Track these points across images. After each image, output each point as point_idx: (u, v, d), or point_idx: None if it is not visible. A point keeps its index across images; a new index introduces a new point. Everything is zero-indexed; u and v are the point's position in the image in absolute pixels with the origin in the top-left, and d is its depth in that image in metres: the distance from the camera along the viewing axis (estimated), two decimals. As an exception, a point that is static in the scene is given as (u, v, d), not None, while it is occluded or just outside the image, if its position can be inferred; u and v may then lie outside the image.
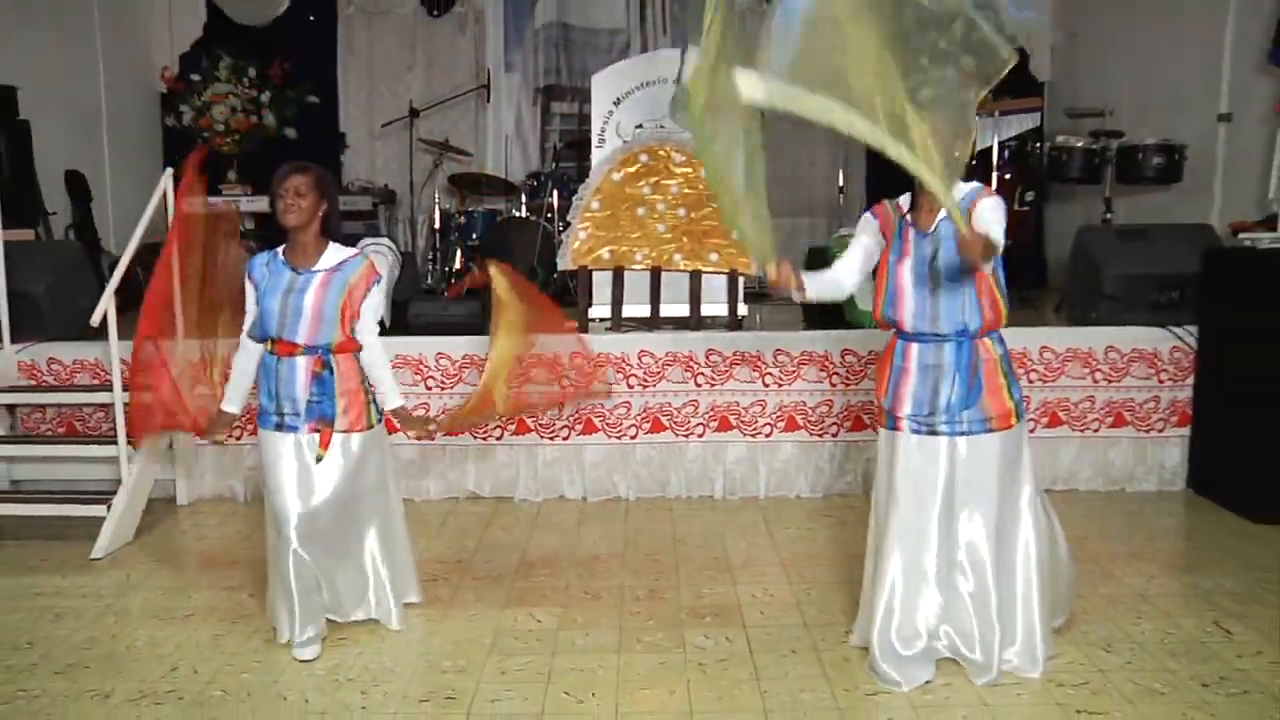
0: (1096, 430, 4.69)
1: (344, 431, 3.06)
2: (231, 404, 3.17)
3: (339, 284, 3.01)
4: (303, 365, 3.00)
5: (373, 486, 3.20)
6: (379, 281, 3.09)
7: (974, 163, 6.08)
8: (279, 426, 3.03)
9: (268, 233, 3.32)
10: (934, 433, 2.80)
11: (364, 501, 3.18)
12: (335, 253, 3.06)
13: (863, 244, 2.91)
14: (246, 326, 3.10)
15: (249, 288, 3.07)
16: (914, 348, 2.82)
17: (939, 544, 2.81)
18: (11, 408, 4.82)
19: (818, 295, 2.88)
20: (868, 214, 2.95)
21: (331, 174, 3.16)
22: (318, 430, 3.03)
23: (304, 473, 3.02)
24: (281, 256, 3.05)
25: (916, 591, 2.83)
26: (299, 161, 3.03)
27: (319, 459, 3.02)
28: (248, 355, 3.10)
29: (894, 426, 2.85)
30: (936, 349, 2.79)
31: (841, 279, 2.92)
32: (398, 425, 3.22)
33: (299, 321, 2.97)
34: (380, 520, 3.25)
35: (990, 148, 5.24)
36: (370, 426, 3.13)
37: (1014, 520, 2.85)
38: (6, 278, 4.58)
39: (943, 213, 2.72)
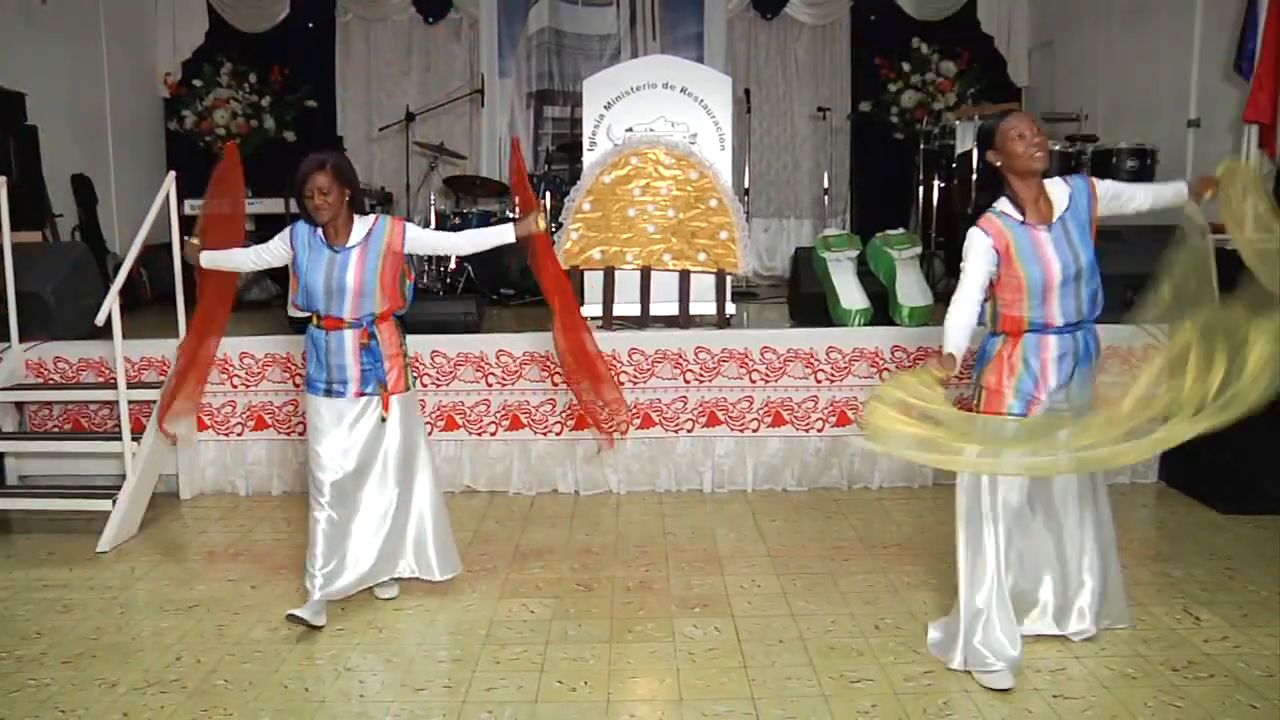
0: (1075, 424, 4.78)
1: (392, 394, 3.30)
2: (207, 257, 3.45)
3: (375, 250, 3.18)
4: (350, 338, 3.22)
5: (418, 443, 3.43)
6: (409, 224, 3.29)
7: (954, 165, 6.19)
8: (328, 392, 3.25)
9: (269, 235, 3.40)
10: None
11: (415, 457, 3.40)
12: (361, 225, 3.22)
13: (984, 269, 2.79)
14: (256, 250, 3.36)
15: (285, 245, 3.24)
16: (1050, 340, 2.82)
17: (1055, 523, 2.99)
18: (20, 405, 4.86)
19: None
20: (978, 233, 2.79)
21: (343, 154, 3.33)
22: (368, 394, 3.26)
23: (348, 433, 3.27)
24: (320, 234, 3.20)
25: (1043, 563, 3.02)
26: (314, 155, 3.12)
27: (383, 419, 3.28)
28: (244, 255, 3.41)
29: (1026, 415, 2.83)
30: (1071, 338, 2.84)
31: (974, 313, 2.83)
32: (523, 232, 3.32)
33: (343, 299, 3.18)
34: (427, 475, 3.45)
35: (969, 151, 5.32)
36: (409, 388, 3.37)
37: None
38: (15, 278, 4.61)
39: (1061, 204, 2.83)
